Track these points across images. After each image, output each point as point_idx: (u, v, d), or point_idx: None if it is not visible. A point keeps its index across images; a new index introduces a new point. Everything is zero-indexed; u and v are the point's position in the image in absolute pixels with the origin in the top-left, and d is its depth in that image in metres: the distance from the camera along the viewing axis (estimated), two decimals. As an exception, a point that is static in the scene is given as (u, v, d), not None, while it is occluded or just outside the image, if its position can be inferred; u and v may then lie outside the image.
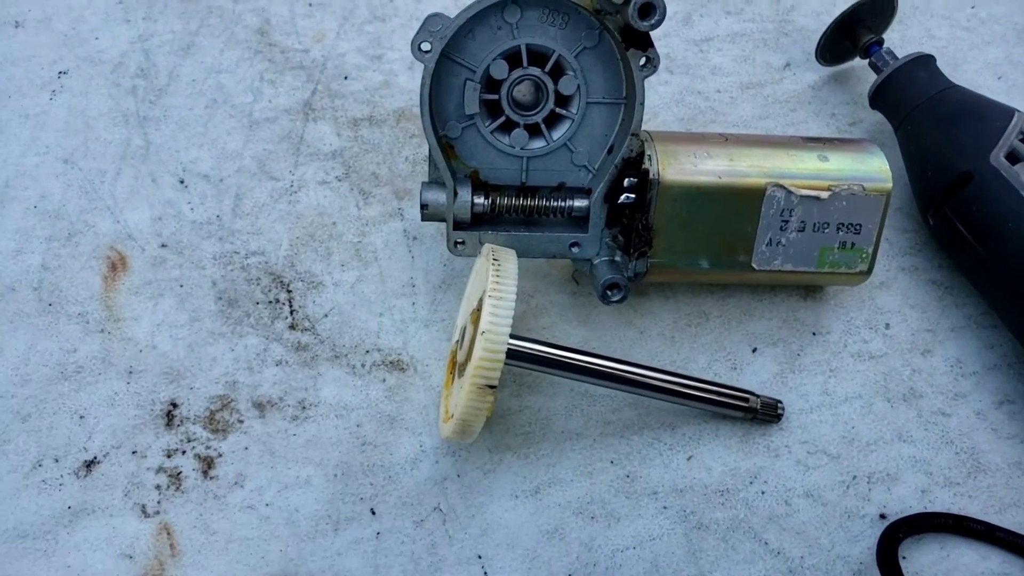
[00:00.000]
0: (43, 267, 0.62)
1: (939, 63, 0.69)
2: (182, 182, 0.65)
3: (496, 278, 0.54)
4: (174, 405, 0.59)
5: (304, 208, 0.65)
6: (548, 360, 0.57)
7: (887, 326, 0.65)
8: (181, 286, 0.62)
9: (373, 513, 0.58)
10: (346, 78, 0.70)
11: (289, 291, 0.63)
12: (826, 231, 0.60)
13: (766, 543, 0.58)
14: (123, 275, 0.62)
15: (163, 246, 0.63)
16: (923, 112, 0.66)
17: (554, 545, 0.58)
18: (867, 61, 0.71)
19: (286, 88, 0.69)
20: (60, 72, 0.69)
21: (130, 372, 0.60)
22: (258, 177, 0.65)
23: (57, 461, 0.57)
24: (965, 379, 0.63)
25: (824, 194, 0.59)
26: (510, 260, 0.56)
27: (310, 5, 0.73)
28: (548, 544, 0.58)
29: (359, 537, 0.57)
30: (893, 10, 0.71)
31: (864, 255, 0.61)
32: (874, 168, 0.61)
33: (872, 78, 0.70)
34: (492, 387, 0.53)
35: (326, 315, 0.62)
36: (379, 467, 0.59)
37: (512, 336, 0.57)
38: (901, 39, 0.75)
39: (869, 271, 0.61)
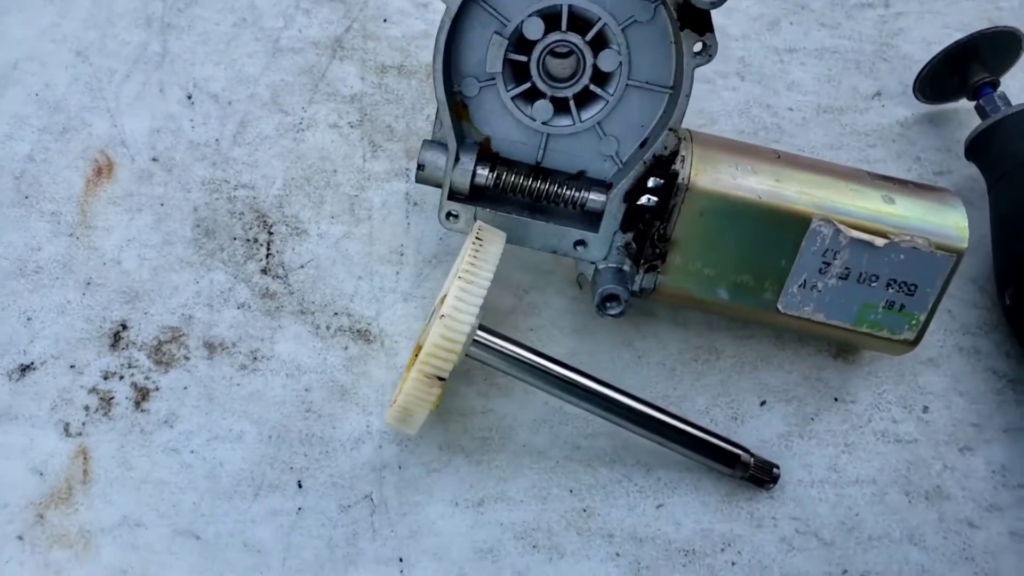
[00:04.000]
0: (29, 157, 0.59)
1: (1059, 122, 0.59)
2: (189, 98, 0.61)
3: (473, 259, 0.48)
4: (123, 327, 0.56)
5: (307, 148, 0.60)
6: (513, 361, 0.50)
7: (925, 409, 0.56)
8: (162, 205, 0.58)
9: (300, 486, 0.53)
10: (385, 21, 0.65)
11: (270, 233, 0.58)
12: (873, 285, 0.51)
13: (723, 623, 0.50)
14: (106, 182, 0.59)
15: (154, 160, 0.59)
16: (1026, 172, 0.56)
17: (484, 566, 0.51)
18: (974, 104, 0.61)
19: (320, 20, 0.64)
20: (99, -38, 0.66)
21: (88, 283, 0.56)
22: (268, 107, 0.61)
23: (-7, 359, 0.55)
24: (1007, 491, 0.54)
25: (880, 241, 0.51)
26: (495, 243, 0.50)
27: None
28: (478, 564, 0.51)
29: (278, 508, 0.52)
30: (1019, 50, 0.61)
31: (914, 322, 0.52)
32: (949, 222, 0.52)
33: (976, 124, 0.60)
34: (441, 379, 0.47)
35: (302, 266, 0.57)
36: (318, 439, 0.54)
37: (481, 328, 0.51)
38: (1021, 87, 0.65)
39: (916, 342, 0.52)
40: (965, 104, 0.63)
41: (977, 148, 0.60)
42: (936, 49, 0.62)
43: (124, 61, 0.61)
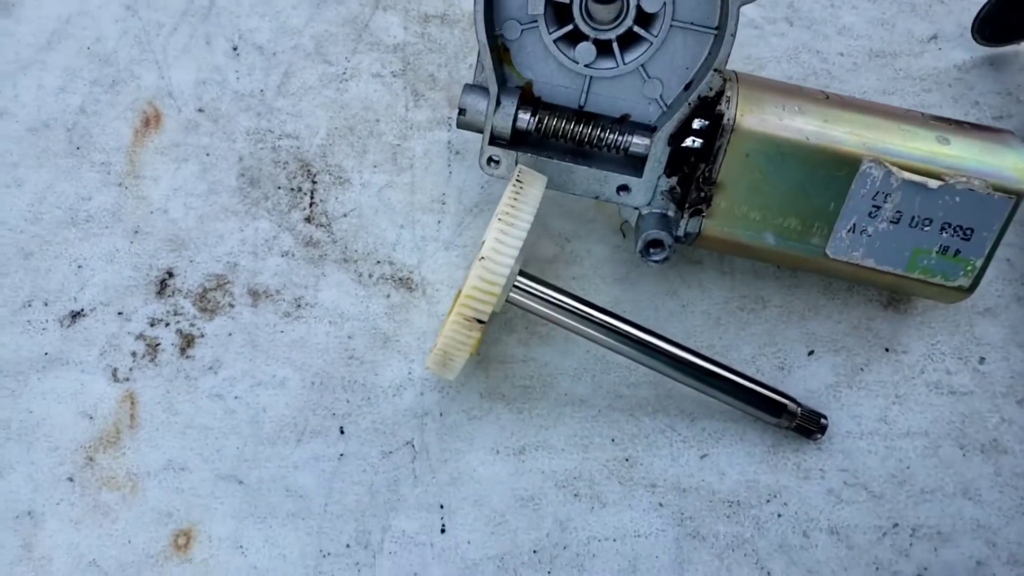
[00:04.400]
0: (80, 110, 0.60)
1: None
2: (235, 49, 0.61)
3: (512, 201, 0.47)
4: (170, 274, 0.56)
5: (351, 98, 0.60)
6: (554, 307, 0.50)
7: (982, 360, 0.54)
8: (208, 155, 0.59)
9: (342, 432, 0.53)
10: (428, -30, 0.64)
11: (314, 182, 0.58)
12: (926, 229, 0.50)
13: (768, 573, 0.49)
14: (154, 132, 0.59)
15: (200, 111, 0.60)
16: (1089, 113, 0.54)
17: (526, 514, 0.51)
18: (1036, 47, 0.59)
19: (363, -30, 0.64)
20: (149, -80, 0.67)
21: (136, 232, 0.57)
22: (312, 58, 0.61)
23: (46, 305, 0.55)
24: (1067, 443, 0.52)
25: (934, 183, 0.49)
26: (535, 186, 0.49)
27: None
28: (519, 512, 0.51)
29: (320, 454, 0.52)
30: (1084, -9, 0.58)
31: (970, 267, 0.50)
32: (1007, 163, 0.49)
33: (1038, 68, 0.58)
34: (481, 322, 0.46)
35: (345, 215, 0.58)
36: (360, 385, 0.54)
37: (522, 273, 0.50)
38: (1089, 31, 0.62)
39: (971, 289, 0.51)
40: (1027, 47, 0.60)
41: (1040, 92, 0.58)
42: (998, -10, 0.59)
43: (171, 14, 0.62)
